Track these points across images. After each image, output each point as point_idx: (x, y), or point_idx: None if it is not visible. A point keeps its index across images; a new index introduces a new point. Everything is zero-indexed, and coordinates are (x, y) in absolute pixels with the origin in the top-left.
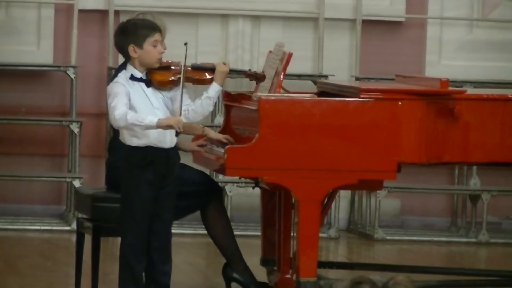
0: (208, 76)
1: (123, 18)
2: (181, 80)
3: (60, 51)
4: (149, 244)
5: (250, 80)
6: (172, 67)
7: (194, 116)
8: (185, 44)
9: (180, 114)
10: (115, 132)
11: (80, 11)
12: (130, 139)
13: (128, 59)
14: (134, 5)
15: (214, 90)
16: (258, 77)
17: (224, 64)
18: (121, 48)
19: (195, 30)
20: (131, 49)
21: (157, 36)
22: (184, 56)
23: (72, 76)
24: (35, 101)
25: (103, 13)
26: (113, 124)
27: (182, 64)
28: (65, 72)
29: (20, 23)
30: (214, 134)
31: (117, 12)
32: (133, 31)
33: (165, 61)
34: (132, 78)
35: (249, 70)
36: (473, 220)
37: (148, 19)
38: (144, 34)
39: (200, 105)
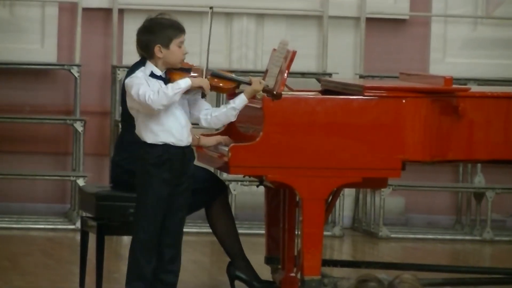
0: (226, 86)
1: (127, 17)
2: (208, 38)
3: (64, 49)
4: (160, 241)
5: (267, 96)
6: (192, 71)
7: (217, 123)
8: (211, 8)
9: (205, 77)
10: (123, 130)
11: (84, 9)
12: (147, 136)
13: (150, 57)
14: (138, 4)
15: (241, 102)
16: (274, 95)
17: (260, 83)
18: (146, 46)
19: (200, 28)
20: (157, 49)
21: (183, 37)
22: (210, 21)
23: (76, 74)
24: (39, 99)
25: (107, 11)
26: (153, 107)
27: (208, 32)
28: (69, 70)
29: (24, 21)
30: (210, 141)
31: (121, 11)
32: (161, 31)
33: (186, 62)
34: (152, 75)
35: (267, 86)
36: (477, 218)
37: (175, 19)
38: (171, 35)
39: (224, 114)
